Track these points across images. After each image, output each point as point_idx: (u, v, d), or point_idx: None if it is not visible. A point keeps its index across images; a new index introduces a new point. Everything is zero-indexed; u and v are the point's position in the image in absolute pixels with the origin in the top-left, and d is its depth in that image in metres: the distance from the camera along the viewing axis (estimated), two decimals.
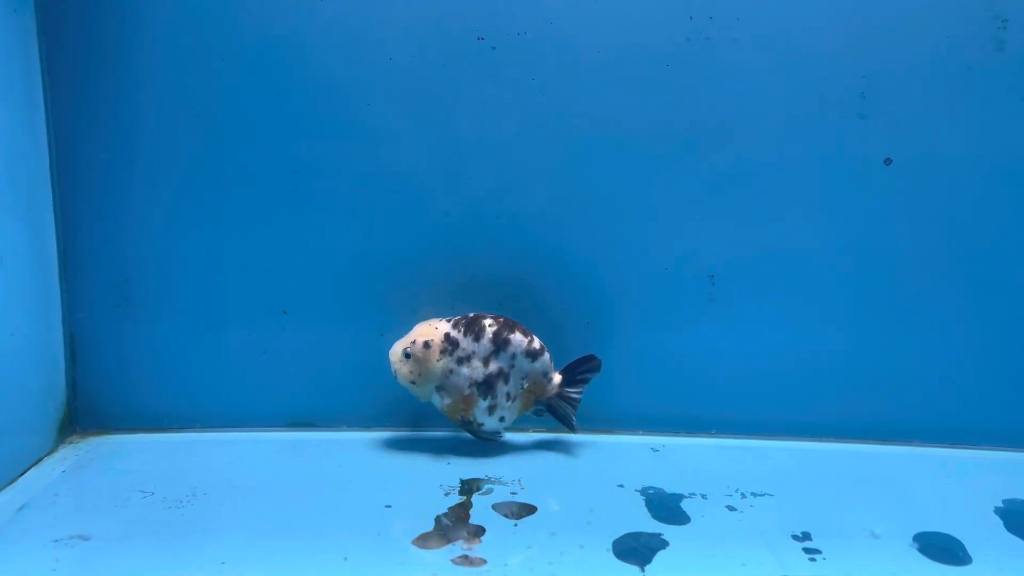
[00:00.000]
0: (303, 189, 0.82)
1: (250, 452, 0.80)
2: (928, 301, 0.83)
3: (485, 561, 0.61)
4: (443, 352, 0.77)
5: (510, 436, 0.85)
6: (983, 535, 0.67)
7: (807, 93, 0.80)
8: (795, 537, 0.66)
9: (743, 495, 0.73)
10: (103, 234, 0.81)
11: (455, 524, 0.67)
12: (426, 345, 0.77)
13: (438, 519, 0.67)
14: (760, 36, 0.79)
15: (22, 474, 0.74)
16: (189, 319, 0.83)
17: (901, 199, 0.82)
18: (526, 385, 0.79)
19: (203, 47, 0.79)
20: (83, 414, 0.84)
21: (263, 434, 0.84)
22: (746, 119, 0.81)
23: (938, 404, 0.85)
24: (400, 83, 0.80)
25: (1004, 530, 0.69)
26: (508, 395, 0.78)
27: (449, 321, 0.78)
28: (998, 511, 0.72)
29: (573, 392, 0.80)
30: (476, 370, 0.77)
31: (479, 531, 0.66)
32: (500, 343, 0.77)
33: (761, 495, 0.73)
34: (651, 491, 0.73)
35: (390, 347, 0.79)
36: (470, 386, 0.77)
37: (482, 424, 0.79)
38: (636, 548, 0.64)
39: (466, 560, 0.61)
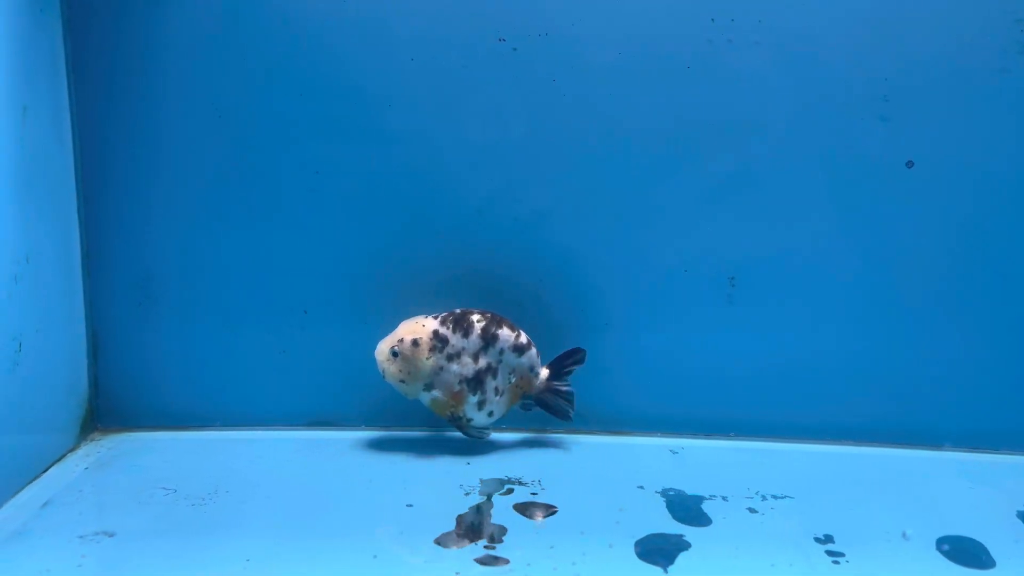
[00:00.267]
0: (324, 189, 0.82)
1: (270, 451, 0.80)
2: (951, 304, 0.83)
3: (508, 561, 0.61)
4: (432, 349, 0.77)
5: (530, 437, 0.85)
6: (1006, 539, 0.67)
7: (829, 95, 0.80)
8: (817, 540, 0.66)
9: (763, 497, 0.73)
10: (126, 233, 0.82)
11: (477, 524, 0.67)
12: (415, 343, 0.77)
13: (459, 519, 0.68)
14: (782, 38, 0.79)
15: (45, 470, 0.75)
16: (210, 318, 0.84)
17: (924, 202, 0.81)
18: (513, 380, 0.79)
19: (226, 48, 0.79)
20: (104, 412, 0.84)
21: (282, 433, 0.84)
22: (768, 121, 0.80)
23: (959, 408, 0.84)
24: (421, 84, 0.80)
25: None
26: (496, 390, 0.79)
27: (436, 318, 0.78)
28: (1020, 515, 0.71)
29: (562, 385, 0.81)
30: (466, 366, 0.77)
31: (501, 531, 0.66)
32: (488, 338, 0.78)
33: (781, 497, 0.73)
34: (671, 493, 0.73)
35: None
36: (460, 382, 0.77)
37: (471, 419, 0.79)
38: (659, 549, 0.64)
39: (489, 559, 0.61)
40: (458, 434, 0.82)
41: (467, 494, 0.72)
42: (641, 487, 0.74)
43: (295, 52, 0.79)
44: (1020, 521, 0.71)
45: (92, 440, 0.82)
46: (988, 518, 0.71)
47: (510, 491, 0.73)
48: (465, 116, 0.81)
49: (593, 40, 0.79)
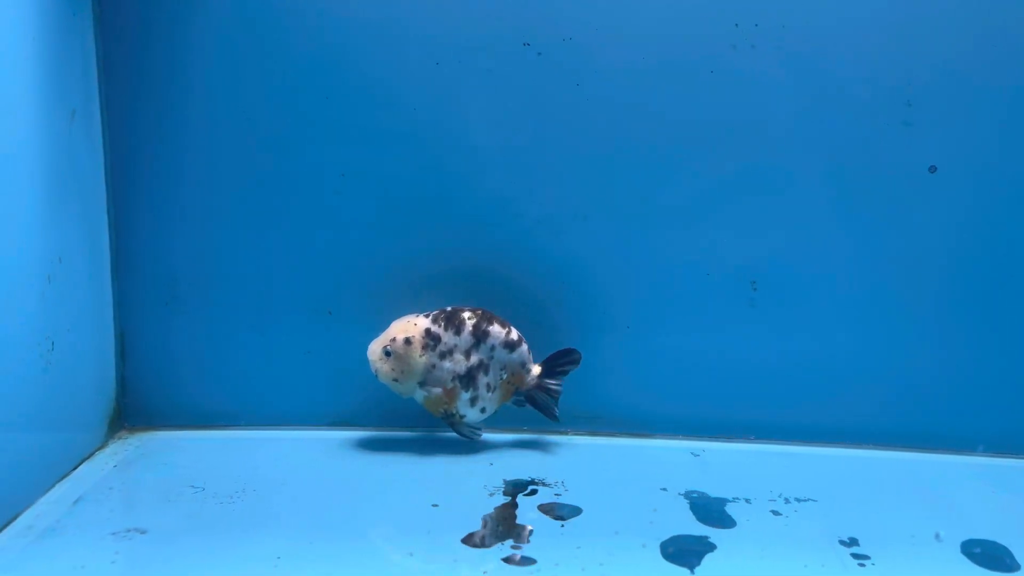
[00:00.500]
0: (350, 192, 0.83)
1: (295, 450, 0.81)
2: (974, 308, 0.83)
3: (535, 561, 0.62)
4: (425, 347, 0.78)
5: (553, 439, 0.85)
6: None
7: (852, 100, 0.80)
8: (842, 542, 0.66)
9: (787, 500, 0.73)
10: (153, 235, 0.83)
11: (502, 524, 0.67)
12: (407, 341, 0.78)
13: (485, 519, 0.68)
14: (806, 43, 0.80)
15: (75, 468, 0.76)
16: (235, 319, 0.85)
17: (947, 206, 0.82)
18: (505, 376, 0.80)
19: (254, 52, 0.80)
20: (132, 410, 0.85)
21: (307, 432, 0.85)
22: (791, 125, 0.81)
23: (981, 412, 0.84)
24: (447, 88, 0.81)
25: None
26: (488, 386, 0.79)
27: (427, 316, 0.79)
28: None
29: (553, 383, 0.81)
30: (459, 363, 0.78)
31: (527, 531, 0.66)
32: (480, 335, 0.78)
33: (805, 500, 0.73)
34: (695, 495, 0.74)
35: None
36: (453, 379, 0.78)
37: (464, 416, 0.80)
38: (684, 551, 0.64)
39: (516, 560, 0.62)
40: (480, 436, 0.82)
41: (491, 495, 0.73)
42: (664, 489, 0.75)
43: (322, 57, 0.80)
44: None
45: (120, 439, 0.83)
46: (1012, 521, 0.71)
47: (534, 492, 0.73)
48: (492, 120, 0.81)
49: (617, 44, 0.80)
